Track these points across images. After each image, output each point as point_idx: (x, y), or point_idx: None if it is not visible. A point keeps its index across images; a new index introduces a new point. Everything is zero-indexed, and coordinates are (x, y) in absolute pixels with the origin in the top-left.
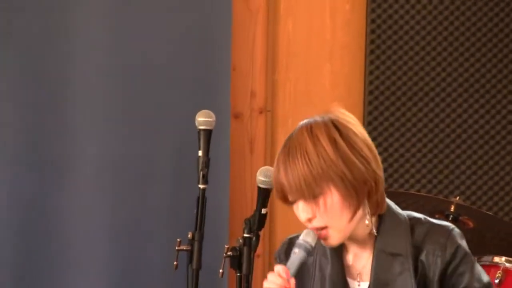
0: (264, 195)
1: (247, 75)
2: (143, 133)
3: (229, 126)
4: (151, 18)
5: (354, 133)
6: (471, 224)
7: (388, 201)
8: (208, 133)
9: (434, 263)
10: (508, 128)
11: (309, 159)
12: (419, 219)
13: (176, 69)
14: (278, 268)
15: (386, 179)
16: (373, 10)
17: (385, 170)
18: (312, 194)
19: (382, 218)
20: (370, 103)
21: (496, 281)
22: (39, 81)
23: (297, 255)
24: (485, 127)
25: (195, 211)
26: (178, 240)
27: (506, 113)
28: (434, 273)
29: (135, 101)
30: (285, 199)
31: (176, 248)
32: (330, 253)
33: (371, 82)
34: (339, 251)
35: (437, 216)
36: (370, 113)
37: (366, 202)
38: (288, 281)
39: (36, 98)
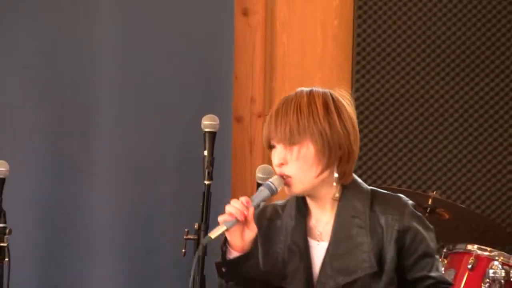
0: None
1: (248, 83)
2: (154, 135)
3: (231, 128)
4: (164, 34)
5: (345, 109)
6: (446, 216)
7: (354, 175)
8: (213, 135)
9: (391, 226)
10: (480, 130)
11: (300, 111)
12: (379, 191)
13: (185, 78)
14: (242, 198)
15: (370, 176)
16: (359, 26)
17: (370, 168)
18: (291, 141)
19: (346, 186)
20: (356, 108)
21: (469, 266)
22: (60, 91)
23: (262, 192)
24: (459, 130)
25: (201, 204)
26: (185, 230)
27: (477, 117)
28: (392, 235)
29: (147, 107)
30: (268, 144)
31: (184, 237)
32: (295, 216)
33: (357, 89)
34: (303, 214)
35: (416, 208)
36: (356, 117)
37: (335, 168)
38: (247, 208)
39: (57, 105)
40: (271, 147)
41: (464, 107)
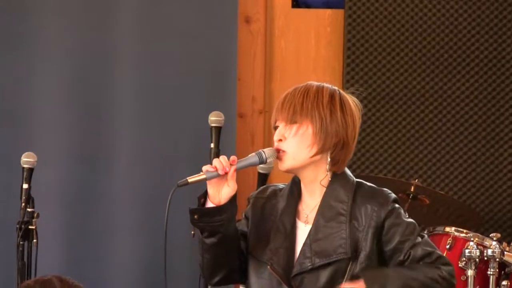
0: (263, 178)
1: (249, 83)
2: (167, 129)
3: (235, 124)
4: (175, 40)
5: (349, 105)
6: (427, 201)
7: (346, 168)
8: (219, 129)
9: (370, 217)
10: (456, 125)
11: (307, 95)
12: (364, 183)
13: (194, 79)
14: (231, 156)
15: (359, 166)
16: (349, 32)
17: (358, 159)
18: (292, 120)
19: (335, 175)
20: None
21: (447, 246)
22: (84, 91)
23: (251, 157)
24: (438, 125)
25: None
26: None
27: (454, 114)
28: (370, 224)
29: (161, 105)
30: (274, 123)
31: None
32: (287, 198)
33: (347, 88)
34: (295, 197)
35: (400, 195)
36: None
37: (328, 155)
38: (230, 165)
39: (81, 103)
40: (275, 128)
41: (443, 105)
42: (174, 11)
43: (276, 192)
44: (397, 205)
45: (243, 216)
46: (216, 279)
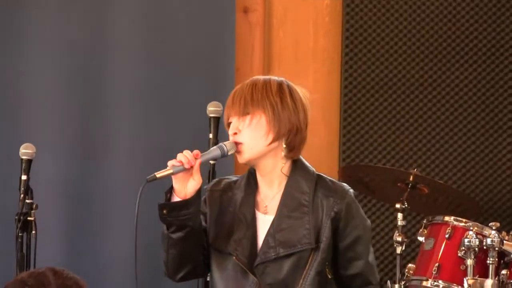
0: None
1: (248, 74)
2: (167, 119)
3: None
4: (174, 31)
5: (298, 93)
6: (426, 191)
7: (302, 158)
8: (217, 120)
9: (331, 208)
10: (455, 114)
11: (255, 86)
12: (324, 176)
13: (192, 69)
14: (194, 151)
15: (358, 155)
16: (347, 21)
17: (357, 148)
18: (244, 111)
19: (295, 165)
20: (345, 95)
21: (447, 235)
22: (83, 81)
23: (213, 151)
24: (437, 114)
25: (207, 181)
26: None
27: (453, 103)
28: (330, 216)
29: (161, 95)
30: (227, 120)
31: None
32: (245, 189)
33: (346, 78)
34: (253, 188)
35: (399, 184)
36: (345, 102)
37: (283, 142)
38: (195, 160)
39: (80, 93)
40: (229, 125)
41: (441, 94)
42: (172, 2)
43: (230, 185)
44: (356, 202)
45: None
46: (181, 274)
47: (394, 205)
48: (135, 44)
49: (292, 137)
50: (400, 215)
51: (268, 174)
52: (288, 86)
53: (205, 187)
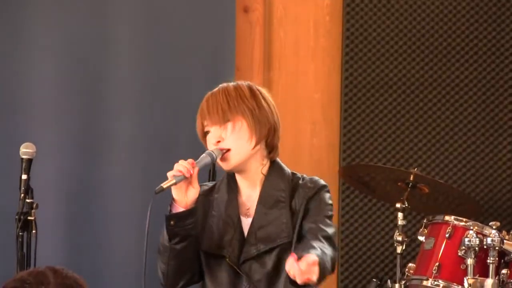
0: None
1: (248, 73)
2: (167, 117)
3: None
4: (175, 30)
5: (266, 94)
6: (426, 190)
7: (280, 161)
8: None
9: (302, 197)
10: (455, 114)
11: (228, 94)
12: (298, 173)
13: (193, 68)
14: (188, 159)
15: (358, 155)
16: (347, 21)
17: (358, 148)
18: (224, 119)
19: (272, 165)
20: (346, 94)
21: (447, 235)
22: (82, 80)
23: (204, 158)
24: (437, 113)
25: (208, 176)
26: None
27: (453, 102)
28: (302, 204)
29: (161, 93)
30: (202, 133)
31: None
32: (227, 193)
33: (346, 78)
34: (235, 192)
35: (399, 184)
36: (346, 102)
37: (264, 143)
38: (192, 168)
39: (79, 92)
40: (205, 134)
41: (442, 93)
42: (172, 1)
43: (210, 189)
44: (326, 191)
45: None
46: (180, 284)
47: (395, 205)
48: (135, 43)
49: (271, 138)
50: (400, 215)
51: (252, 176)
52: (257, 89)
53: None
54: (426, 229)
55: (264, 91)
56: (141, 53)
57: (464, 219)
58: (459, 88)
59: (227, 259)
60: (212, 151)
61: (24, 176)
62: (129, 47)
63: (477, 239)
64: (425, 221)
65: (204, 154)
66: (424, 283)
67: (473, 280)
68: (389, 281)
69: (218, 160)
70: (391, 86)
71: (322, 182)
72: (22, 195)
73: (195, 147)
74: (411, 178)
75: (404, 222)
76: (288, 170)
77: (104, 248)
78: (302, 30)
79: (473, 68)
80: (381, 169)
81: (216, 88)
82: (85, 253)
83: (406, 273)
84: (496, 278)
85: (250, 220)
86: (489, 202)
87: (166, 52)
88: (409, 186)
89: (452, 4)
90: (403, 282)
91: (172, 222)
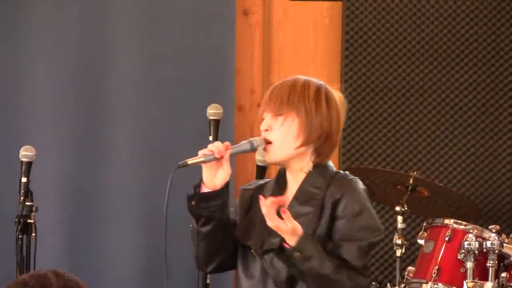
0: (261, 171)
1: (248, 76)
2: (166, 122)
3: (233, 117)
4: (174, 33)
5: (334, 100)
6: (426, 193)
7: (330, 161)
8: (217, 122)
9: (333, 196)
10: (455, 117)
11: (294, 88)
12: (340, 172)
13: (193, 72)
14: (225, 142)
15: (358, 158)
16: (347, 24)
17: (357, 151)
18: (279, 111)
19: (317, 165)
20: (345, 97)
21: (447, 238)
22: (81, 83)
23: (243, 144)
24: (436, 117)
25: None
26: None
27: (453, 105)
28: (330, 204)
29: (160, 97)
30: (262, 114)
31: None
32: (273, 188)
33: (346, 81)
34: (281, 186)
35: (399, 187)
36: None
37: (312, 146)
38: (225, 150)
39: (79, 96)
40: (263, 119)
41: (441, 96)
42: (172, 4)
43: (262, 186)
44: (362, 195)
45: (232, 209)
46: (211, 267)
47: (394, 208)
48: (135, 46)
49: (321, 143)
50: (400, 218)
51: (295, 173)
52: (326, 92)
53: (240, 187)
54: (426, 232)
55: (336, 97)
56: (141, 56)
57: (464, 223)
58: (459, 91)
59: (252, 250)
60: (255, 140)
61: (23, 179)
62: (129, 51)
63: (477, 242)
64: (424, 224)
65: (245, 141)
66: (424, 286)
67: (472, 283)
68: (388, 285)
69: (262, 150)
70: (391, 89)
71: (355, 181)
72: (22, 198)
73: (195, 151)
74: (411, 181)
75: (403, 225)
76: (332, 169)
77: (103, 251)
78: (301, 33)
79: (473, 71)
80: (381, 172)
81: (291, 77)
82: (84, 256)
83: (406, 277)
84: (496, 281)
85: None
86: (488, 206)
87: (166, 55)
88: (409, 189)
89: (451, 8)
90: (402, 285)
91: (193, 202)
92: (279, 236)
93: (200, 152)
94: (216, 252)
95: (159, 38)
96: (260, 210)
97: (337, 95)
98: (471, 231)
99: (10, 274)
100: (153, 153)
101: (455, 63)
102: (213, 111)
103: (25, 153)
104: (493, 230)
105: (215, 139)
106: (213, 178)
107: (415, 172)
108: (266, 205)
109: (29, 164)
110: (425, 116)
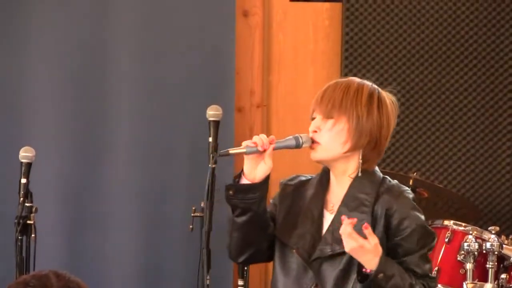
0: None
1: (248, 77)
2: (167, 123)
3: (233, 118)
4: (174, 35)
5: (387, 106)
6: (426, 195)
7: (377, 168)
8: (217, 123)
9: (383, 205)
10: (455, 118)
11: (347, 92)
12: (388, 179)
13: (193, 73)
14: (271, 136)
15: None
16: (347, 25)
17: None
18: (329, 114)
19: (364, 170)
20: None
21: (446, 239)
22: (81, 85)
23: (288, 140)
24: (436, 118)
25: (206, 185)
26: (193, 208)
27: (452, 107)
28: (382, 213)
29: (160, 98)
30: (311, 114)
31: (192, 215)
32: (316, 187)
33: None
34: (324, 187)
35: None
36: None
37: (360, 153)
38: (269, 144)
39: (78, 97)
40: (313, 119)
41: (441, 98)
42: (172, 5)
43: (304, 182)
44: (411, 203)
45: (271, 202)
46: (243, 257)
47: None
48: (135, 47)
49: (369, 150)
50: None
51: (340, 175)
52: (379, 97)
53: (281, 181)
54: None
55: (388, 102)
56: (141, 57)
57: (463, 224)
58: (459, 92)
59: (294, 251)
60: (300, 136)
61: (23, 180)
62: (129, 51)
63: (476, 243)
64: None
65: (290, 136)
66: None
67: (472, 284)
68: None
69: (308, 147)
70: (390, 90)
71: (406, 192)
72: (22, 199)
73: (194, 152)
74: (411, 182)
75: None
76: (380, 174)
77: (103, 251)
78: (301, 34)
79: (472, 73)
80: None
81: (345, 79)
82: (84, 256)
83: None
84: (495, 282)
85: (332, 216)
86: (488, 207)
87: (166, 56)
88: None
89: (451, 9)
90: None
91: (231, 192)
92: (329, 243)
93: (244, 143)
94: (249, 244)
95: (159, 39)
96: (301, 209)
97: (389, 98)
98: (470, 232)
99: (10, 275)
100: (153, 153)
101: (455, 64)
102: (212, 112)
103: (25, 154)
104: (493, 232)
105: (215, 140)
106: (254, 171)
107: (415, 173)
108: (348, 225)
109: (29, 165)
110: (424, 117)
